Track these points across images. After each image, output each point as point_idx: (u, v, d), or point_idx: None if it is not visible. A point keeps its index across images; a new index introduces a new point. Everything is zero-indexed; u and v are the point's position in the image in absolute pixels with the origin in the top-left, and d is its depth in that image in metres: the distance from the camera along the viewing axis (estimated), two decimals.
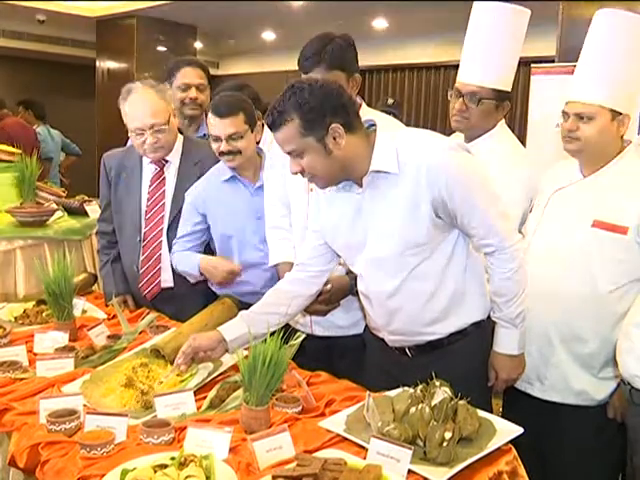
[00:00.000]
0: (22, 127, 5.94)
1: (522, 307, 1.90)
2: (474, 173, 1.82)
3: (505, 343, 1.94)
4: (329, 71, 2.14)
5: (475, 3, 2.36)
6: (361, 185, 1.82)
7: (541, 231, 2.16)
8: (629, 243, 1.98)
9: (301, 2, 7.08)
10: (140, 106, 2.50)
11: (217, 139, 2.40)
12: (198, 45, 9.29)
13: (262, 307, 2.01)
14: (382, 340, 2.02)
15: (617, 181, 2.03)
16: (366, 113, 2.29)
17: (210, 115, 2.40)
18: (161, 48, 8.53)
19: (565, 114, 2.07)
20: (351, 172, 1.80)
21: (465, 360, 1.93)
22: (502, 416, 1.96)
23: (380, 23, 7.99)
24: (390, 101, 5.56)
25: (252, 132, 2.44)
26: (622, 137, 2.07)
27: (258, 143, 2.56)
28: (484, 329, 1.96)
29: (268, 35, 9.26)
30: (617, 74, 2.00)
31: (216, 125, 2.38)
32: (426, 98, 8.80)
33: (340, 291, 2.21)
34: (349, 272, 2.17)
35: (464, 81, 2.31)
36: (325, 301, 2.20)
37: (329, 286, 2.16)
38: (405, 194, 1.77)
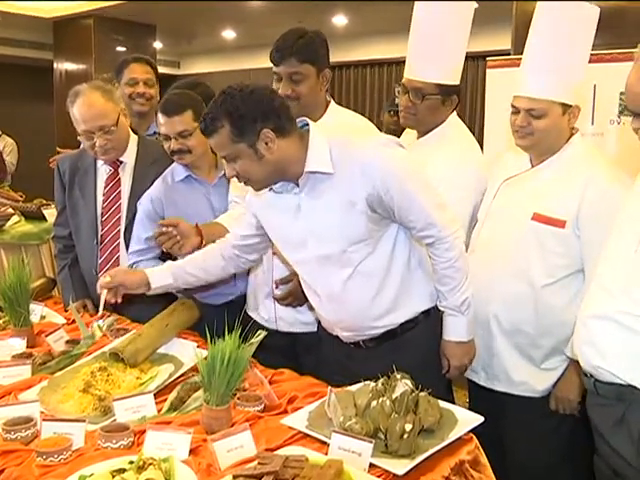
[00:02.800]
0: None
1: (467, 294, 1.93)
2: (407, 167, 1.85)
3: (453, 330, 1.98)
4: (300, 64, 2.17)
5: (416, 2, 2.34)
6: (298, 185, 1.84)
7: (488, 221, 2.17)
8: (567, 237, 1.98)
9: (260, 2, 7.05)
10: (86, 109, 2.47)
11: (167, 138, 2.39)
12: (158, 45, 9.20)
13: (190, 267, 2.15)
14: (336, 336, 2.03)
15: (559, 172, 2.03)
16: (334, 111, 2.33)
17: (159, 114, 2.39)
18: (120, 48, 8.41)
19: (514, 108, 2.05)
20: (285, 174, 1.82)
21: (418, 348, 1.96)
22: (468, 406, 1.98)
23: (340, 20, 8.00)
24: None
25: None
26: (572, 124, 2.06)
27: None
28: (434, 317, 1.99)
29: (228, 34, 9.21)
30: (562, 65, 1.99)
31: (165, 124, 2.37)
32: (388, 93, 8.84)
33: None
34: None
35: (408, 77, 2.30)
36: (288, 297, 2.26)
37: (290, 285, 2.23)
38: (341, 192, 1.80)
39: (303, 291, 2.12)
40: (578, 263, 2.00)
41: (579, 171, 1.99)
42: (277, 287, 2.32)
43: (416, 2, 2.34)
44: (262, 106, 1.72)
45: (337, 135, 1.86)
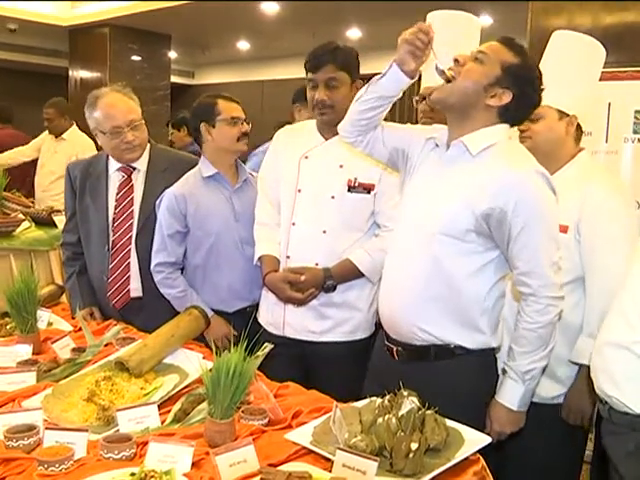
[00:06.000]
0: (13, 138, 5.84)
1: (536, 365, 1.83)
2: (548, 210, 1.79)
3: (506, 395, 1.87)
4: (338, 70, 2.28)
5: (430, 13, 2.46)
6: (448, 147, 1.86)
7: None
8: (569, 242, 2.03)
9: (275, 11, 7.08)
10: (115, 105, 2.52)
11: (239, 120, 2.51)
12: (172, 55, 9.27)
13: None
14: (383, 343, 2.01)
15: (565, 184, 2.06)
16: None
17: (224, 101, 2.52)
18: (135, 57, 8.49)
19: None
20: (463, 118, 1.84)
21: (447, 383, 1.85)
22: None
23: (354, 33, 8.03)
24: None
25: None
26: (577, 140, 2.17)
27: None
28: (476, 363, 1.89)
29: (243, 45, 9.27)
30: (565, 81, 2.11)
31: (237, 108, 2.53)
32: (400, 106, 8.85)
33: (312, 282, 2.27)
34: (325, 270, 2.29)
35: (426, 85, 2.44)
36: (299, 290, 2.28)
37: (303, 277, 2.26)
38: (469, 183, 1.79)
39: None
40: (579, 269, 2.05)
41: (582, 181, 2.08)
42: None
43: (429, 14, 2.44)
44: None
45: (506, 136, 1.87)
